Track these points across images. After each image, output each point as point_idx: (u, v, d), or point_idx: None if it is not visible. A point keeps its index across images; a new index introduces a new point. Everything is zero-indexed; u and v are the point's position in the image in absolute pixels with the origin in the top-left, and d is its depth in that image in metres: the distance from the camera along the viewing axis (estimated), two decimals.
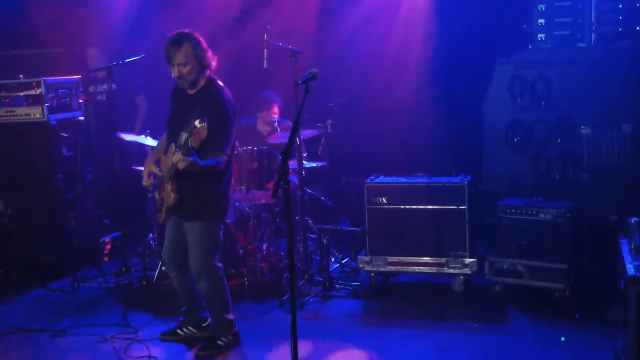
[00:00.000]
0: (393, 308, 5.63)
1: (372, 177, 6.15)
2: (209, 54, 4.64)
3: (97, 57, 7.60)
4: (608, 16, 6.57)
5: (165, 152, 4.75)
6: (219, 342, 4.83)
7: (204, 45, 4.62)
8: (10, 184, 6.51)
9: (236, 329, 4.96)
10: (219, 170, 4.59)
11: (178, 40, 4.53)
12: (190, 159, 4.28)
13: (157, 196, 4.87)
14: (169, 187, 4.59)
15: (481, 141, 7.14)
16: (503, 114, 6.96)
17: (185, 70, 4.54)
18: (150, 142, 6.42)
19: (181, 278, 4.93)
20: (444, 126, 7.33)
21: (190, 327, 5.05)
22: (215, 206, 4.69)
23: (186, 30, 4.60)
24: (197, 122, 4.22)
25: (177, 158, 4.31)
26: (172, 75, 4.63)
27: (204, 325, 5.04)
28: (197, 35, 4.62)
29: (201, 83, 4.66)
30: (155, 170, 4.79)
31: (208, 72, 4.68)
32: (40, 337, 5.19)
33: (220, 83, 4.72)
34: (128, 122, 7.46)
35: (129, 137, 6.47)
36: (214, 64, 4.68)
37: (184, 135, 4.39)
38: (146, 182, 4.85)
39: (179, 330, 5.07)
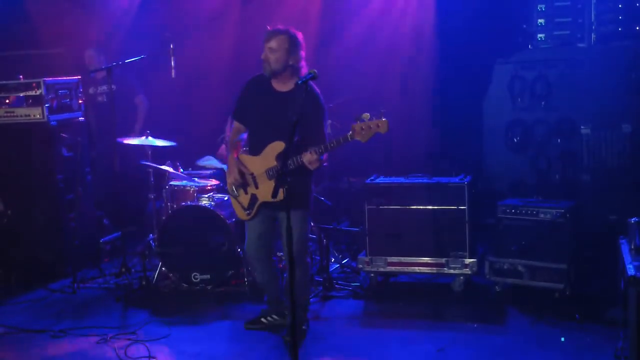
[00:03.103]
0: (393, 308, 5.63)
1: (372, 177, 6.15)
2: (302, 60, 4.80)
3: (95, 58, 7.60)
4: (608, 16, 6.57)
5: (256, 152, 4.84)
6: (303, 327, 4.99)
7: (302, 50, 4.79)
8: (10, 185, 6.51)
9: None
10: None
11: (282, 30, 4.75)
12: (322, 157, 4.57)
13: (242, 195, 4.91)
14: (273, 183, 4.64)
15: (481, 141, 7.13)
16: (503, 114, 6.95)
17: (272, 56, 4.71)
18: (151, 142, 6.43)
19: (267, 269, 5.11)
20: (444, 126, 7.33)
21: (274, 315, 5.18)
22: (311, 196, 4.97)
23: (294, 30, 4.79)
24: (365, 116, 4.40)
25: (310, 158, 4.52)
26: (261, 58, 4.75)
27: (286, 312, 5.14)
28: (301, 39, 4.81)
29: (291, 82, 4.79)
30: (245, 170, 4.88)
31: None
32: (40, 338, 5.18)
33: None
34: (128, 123, 7.47)
35: (131, 141, 6.47)
36: (303, 71, 4.81)
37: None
38: (237, 180, 4.88)
39: (262, 319, 5.19)
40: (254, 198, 4.89)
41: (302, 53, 4.79)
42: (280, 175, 3.78)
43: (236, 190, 4.96)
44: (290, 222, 4.32)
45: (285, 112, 4.65)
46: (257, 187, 4.86)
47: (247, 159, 4.90)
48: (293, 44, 4.72)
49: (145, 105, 7.73)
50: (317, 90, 4.84)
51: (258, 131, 4.90)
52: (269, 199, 4.73)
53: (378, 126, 4.42)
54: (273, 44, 4.70)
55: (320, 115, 4.78)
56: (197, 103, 7.98)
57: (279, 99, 4.79)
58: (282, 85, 4.82)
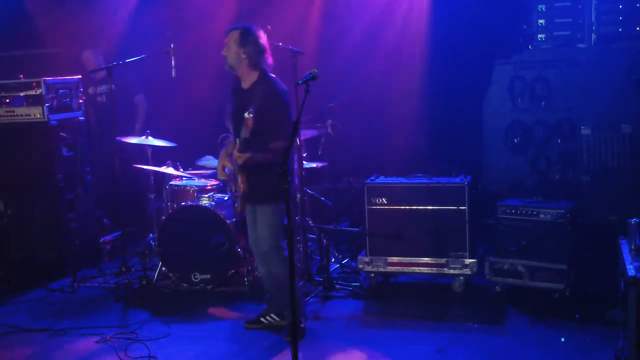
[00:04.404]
0: (393, 309, 5.63)
1: (372, 178, 6.15)
2: (262, 54, 4.86)
3: (92, 59, 7.60)
4: (608, 17, 6.59)
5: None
6: (302, 325, 5.00)
7: (259, 45, 4.86)
8: (10, 185, 6.51)
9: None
10: (280, 156, 4.77)
11: (236, 26, 4.90)
12: (246, 154, 4.68)
13: (233, 188, 5.09)
14: (240, 178, 4.90)
15: (481, 142, 7.14)
16: (503, 115, 6.96)
17: (225, 52, 4.87)
18: (151, 142, 6.43)
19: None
20: (445, 127, 7.34)
21: (273, 315, 5.19)
22: (276, 190, 4.85)
23: (255, 26, 4.91)
24: (245, 114, 4.58)
25: (235, 155, 4.74)
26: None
27: (286, 313, 5.12)
28: (259, 34, 4.89)
29: (252, 77, 4.90)
30: (229, 165, 5.00)
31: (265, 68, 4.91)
32: (40, 338, 5.18)
33: (273, 75, 4.94)
34: (128, 122, 7.47)
35: (130, 140, 6.47)
36: (267, 62, 4.91)
37: (242, 130, 4.75)
38: (221, 176, 5.09)
39: (262, 319, 5.20)
40: (237, 191, 5.04)
41: (257, 45, 4.83)
42: (281, 173, 3.84)
43: (232, 185, 5.09)
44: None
45: (246, 109, 4.76)
46: (236, 181, 5.00)
47: (235, 154, 5.01)
48: (243, 38, 4.82)
49: (145, 105, 7.73)
50: (277, 84, 4.89)
51: (234, 128, 5.06)
52: (241, 193, 4.94)
53: (247, 123, 4.58)
54: (226, 39, 4.88)
55: (275, 110, 4.79)
56: (197, 103, 7.99)
57: (243, 96, 4.92)
58: (246, 82, 4.94)
